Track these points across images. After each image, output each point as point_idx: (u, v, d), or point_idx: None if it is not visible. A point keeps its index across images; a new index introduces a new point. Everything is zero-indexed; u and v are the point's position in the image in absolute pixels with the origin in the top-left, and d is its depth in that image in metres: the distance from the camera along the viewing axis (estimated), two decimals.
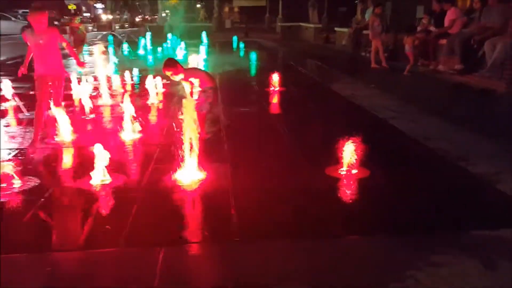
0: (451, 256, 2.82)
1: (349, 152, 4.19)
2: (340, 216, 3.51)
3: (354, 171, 4.21)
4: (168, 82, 8.30)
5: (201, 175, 4.18)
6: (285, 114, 7.14)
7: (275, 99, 8.17)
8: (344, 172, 4.22)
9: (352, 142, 4.19)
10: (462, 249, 2.91)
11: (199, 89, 5.37)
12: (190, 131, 4.15)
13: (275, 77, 8.58)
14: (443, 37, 10.20)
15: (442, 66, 10.04)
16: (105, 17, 37.59)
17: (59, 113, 5.37)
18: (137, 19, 39.21)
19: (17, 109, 7.06)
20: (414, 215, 3.50)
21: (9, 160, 4.54)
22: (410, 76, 10.09)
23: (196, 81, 5.28)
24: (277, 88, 8.54)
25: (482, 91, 7.99)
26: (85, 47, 11.76)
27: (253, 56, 12.37)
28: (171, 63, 5.19)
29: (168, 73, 5.15)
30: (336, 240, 3.14)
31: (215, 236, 3.22)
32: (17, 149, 5.18)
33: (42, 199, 3.77)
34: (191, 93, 5.28)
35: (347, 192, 3.97)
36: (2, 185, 3.97)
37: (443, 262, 2.76)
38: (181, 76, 5.18)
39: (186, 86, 5.30)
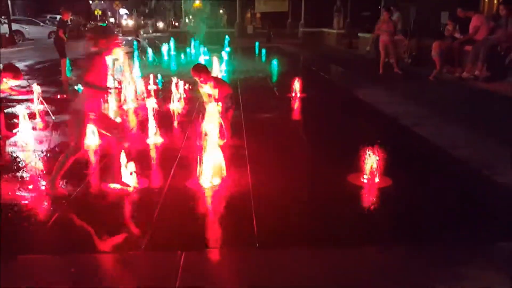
0: (476, 268, 2.76)
1: (372, 159, 4.15)
2: (361, 225, 3.48)
3: (376, 180, 4.17)
4: (191, 87, 8.41)
5: (222, 180, 4.21)
6: (306, 120, 7.13)
7: (296, 105, 8.17)
8: (366, 180, 4.19)
9: (375, 150, 4.16)
10: (488, 261, 2.85)
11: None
12: (212, 136, 4.20)
13: (297, 83, 8.58)
14: (468, 44, 10.02)
15: (467, 73, 9.85)
16: (129, 22, 38.32)
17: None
18: (161, 25, 39.83)
19: (45, 113, 7.25)
20: (438, 225, 3.45)
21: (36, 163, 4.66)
22: (435, 82, 9.94)
23: (215, 90, 5.36)
24: (298, 94, 8.54)
25: (509, 99, 7.81)
26: None
27: (275, 61, 12.40)
28: (200, 69, 5.27)
29: (196, 78, 5.23)
30: (357, 249, 3.12)
31: (235, 241, 3.25)
32: (43, 151, 5.33)
33: (65, 201, 3.87)
34: (211, 99, 5.36)
35: (369, 201, 3.94)
36: (29, 186, 4.10)
37: (468, 274, 2.70)
38: (209, 82, 5.26)
39: (209, 91, 5.36)
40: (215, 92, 5.36)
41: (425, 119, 6.62)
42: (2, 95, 5.61)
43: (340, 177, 4.33)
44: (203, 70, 5.30)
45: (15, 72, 5.45)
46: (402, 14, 14.38)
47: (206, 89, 5.42)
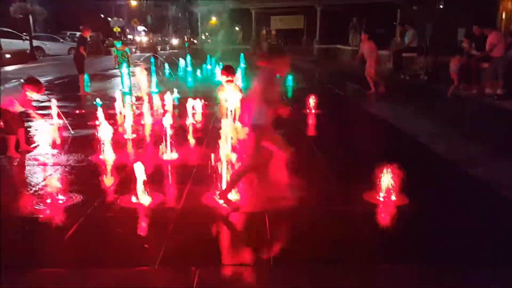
0: None
1: (388, 177, 4.11)
2: (377, 243, 3.44)
3: (392, 198, 4.12)
4: (207, 103, 8.49)
5: (237, 196, 4.21)
6: (321, 136, 7.11)
7: (311, 121, 8.16)
8: (382, 198, 4.14)
9: (391, 167, 4.12)
10: (504, 285, 2.78)
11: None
12: (227, 152, 4.22)
13: (311, 99, 8.59)
14: (485, 61, 9.94)
15: (484, 90, 9.76)
16: (147, 39, 39.05)
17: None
18: (177, 42, 40.46)
19: (63, 128, 7.38)
20: (455, 246, 3.37)
21: (54, 177, 4.73)
22: (452, 98, 9.85)
23: (236, 93, 5.49)
24: (313, 110, 8.54)
25: None
26: (128, 69, 12.20)
27: (289, 77, 12.45)
28: (231, 70, 5.36)
29: (224, 77, 5.31)
30: (370, 267, 3.07)
31: (250, 258, 3.23)
32: (62, 165, 5.42)
33: (82, 216, 3.91)
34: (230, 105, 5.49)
35: (385, 219, 3.89)
36: (47, 200, 4.16)
37: None
38: (235, 83, 5.39)
39: (229, 95, 5.45)
40: (235, 96, 5.46)
41: (442, 136, 6.55)
42: (22, 109, 5.76)
43: (356, 194, 4.28)
44: (231, 69, 5.41)
45: (37, 85, 5.61)
46: (417, 31, 14.38)
47: (228, 92, 5.48)
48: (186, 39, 37.24)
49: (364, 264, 3.11)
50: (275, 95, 3.85)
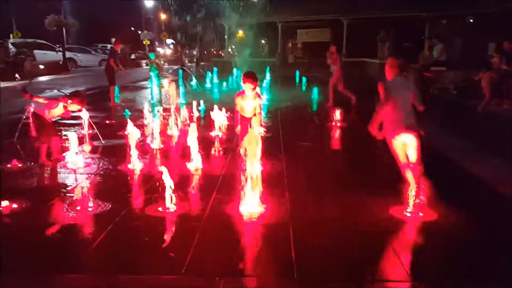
0: None
1: (415, 192, 4.05)
2: (403, 260, 3.38)
3: (420, 213, 4.05)
4: (232, 115, 8.56)
5: (262, 207, 4.22)
6: (346, 149, 7.07)
7: (336, 134, 8.13)
8: (409, 214, 4.07)
9: (418, 182, 4.05)
10: None
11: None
12: (253, 163, 4.23)
13: (337, 112, 8.56)
14: None
15: None
16: (174, 52, 39.77)
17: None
18: (204, 54, 41.07)
19: (94, 137, 7.58)
20: (485, 264, 3.28)
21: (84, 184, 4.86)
22: (483, 114, 9.63)
23: (257, 101, 5.57)
24: (339, 123, 8.51)
25: None
26: (159, 80, 12.49)
27: (315, 90, 12.46)
28: (255, 77, 5.41)
29: (248, 85, 5.35)
30: (398, 285, 3.01)
31: (274, 270, 3.23)
32: (92, 173, 5.57)
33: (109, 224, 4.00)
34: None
35: (413, 235, 3.82)
36: (77, 207, 4.27)
37: None
38: (256, 90, 5.42)
39: (248, 103, 5.49)
40: (255, 103, 5.49)
41: (472, 152, 6.40)
42: (54, 119, 5.95)
43: (382, 209, 4.23)
44: (254, 76, 5.44)
45: (82, 100, 5.81)
46: (446, 45, 14.19)
47: (248, 99, 5.51)
48: (214, 52, 37.86)
49: (389, 282, 3.06)
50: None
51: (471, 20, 15.81)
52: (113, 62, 11.73)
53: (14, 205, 4.32)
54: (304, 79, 16.59)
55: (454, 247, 3.57)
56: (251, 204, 4.21)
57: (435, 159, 6.24)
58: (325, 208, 4.36)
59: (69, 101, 5.73)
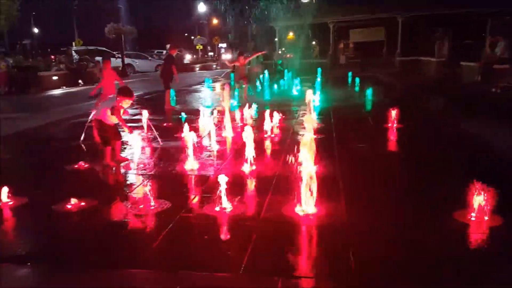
0: None
1: (480, 196, 3.86)
2: (469, 267, 3.24)
3: (485, 218, 3.86)
4: (284, 117, 8.59)
5: (316, 209, 4.21)
6: (404, 151, 6.86)
7: (393, 136, 7.90)
8: (474, 218, 3.89)
9: (483, 185, 3.86)
10: None
11: None
12: (308, 165, 4.23)
13: (392, 113, 8.32)
14: None
15: None
16: (228, 56, 40.41)
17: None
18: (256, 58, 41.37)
19: (153, 139, 7.90)
20: None
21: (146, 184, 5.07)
22: None
23: None
24: (395, 124, 8.27)
25: None
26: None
27: (369, 91, 12.19)
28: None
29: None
30: None
31: (331, 272, 3.21)
32: (152, 173, 5.81)
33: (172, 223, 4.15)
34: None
35: (479, 240, 3.65)
36: (140, 206, 4.48)
37: None
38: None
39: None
40: None
41: None
42: (116, 121, 6.24)
43: (445, 213, 4.07)
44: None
45: (129, 93, 6.08)
46: (510, 42, 13.47)
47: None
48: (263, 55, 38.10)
49: None
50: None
51: None
52: (174, 68, 12.08)
53: (82, 203, 4.59)
54: (357, 80, 16.29)
55: None
56: (306, 205, 4.21)
57: (501, 162, 5.93)
58: (383, 211, 4.27)
59: (119, 98, 5.99)
